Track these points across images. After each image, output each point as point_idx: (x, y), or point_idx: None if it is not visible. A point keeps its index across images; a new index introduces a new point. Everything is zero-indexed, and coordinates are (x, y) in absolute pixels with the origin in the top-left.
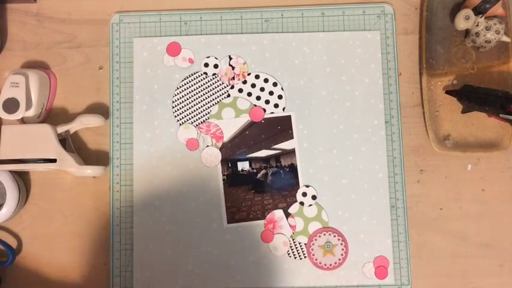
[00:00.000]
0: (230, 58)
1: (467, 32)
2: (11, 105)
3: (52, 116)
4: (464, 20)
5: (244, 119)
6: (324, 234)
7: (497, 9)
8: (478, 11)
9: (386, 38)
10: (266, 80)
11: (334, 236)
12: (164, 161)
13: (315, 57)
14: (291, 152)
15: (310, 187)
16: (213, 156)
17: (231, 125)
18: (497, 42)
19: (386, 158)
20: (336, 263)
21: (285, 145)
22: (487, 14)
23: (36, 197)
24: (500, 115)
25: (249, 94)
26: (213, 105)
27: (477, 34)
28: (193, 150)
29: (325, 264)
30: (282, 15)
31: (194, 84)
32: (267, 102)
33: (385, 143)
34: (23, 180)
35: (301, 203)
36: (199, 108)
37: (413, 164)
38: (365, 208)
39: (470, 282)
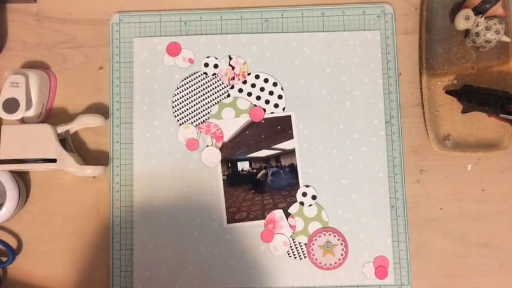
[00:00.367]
0: (230, 58)
1: (467, 32)
2: (11, 105)
3: (52, 116)
4: (464, 20)
5: (244, 119)
6: (324, 234)
7: (497, 9)
8: (478, 11)
9: (386, 38)
10: (266, 80)
11: (334, 236)
12: (164, 161)
13: (314, 57)
14: (291, 152)
15: (310, 187)
16: (213, 156)
17: (231, 125)
18: (497, 42)
19: (386, 158)
20: (336, 263)
21: (285, 145)
22: (487, 14)
23: (36, 197)
24: (500, 115)
25: (249, 94)
26: (213, 105)
27: (477, 34)
28: (193, 150)
29: (325, 264)
30: (282, 15)
31: (194, 84)
32: (267, 102)
33: (385, 143)
34: (23, 180)
35: (301, 203)
36: (199, 108)
37: (413, 164)
38: (365, 208)
39: (470, 282)
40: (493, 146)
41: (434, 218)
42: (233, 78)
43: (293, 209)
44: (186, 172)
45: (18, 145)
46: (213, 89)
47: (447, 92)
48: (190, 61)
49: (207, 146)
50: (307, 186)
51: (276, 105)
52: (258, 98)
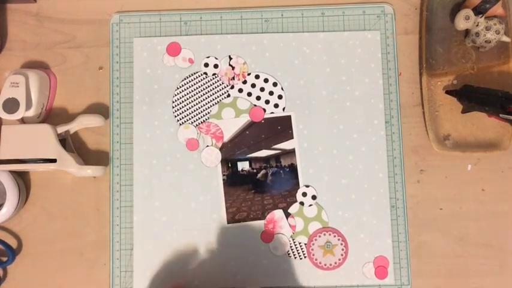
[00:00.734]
0: (230, 58)
1: (467, 32)
2: (11, 105)
3: (52, 116)
4: (464, 20)
5: (244, 119)
6: (324, 234)
7: (497, 9)
8: (478, 11)
9: (386, 38)
10: (266, 80)
11: (334, 236)
12: (164, 161)
13: (314, 57)
14: (291, 152)
15: (310, 187)
16: (213, 156)
17: (231, 125)
18: (497, 42)
19: (386, 158)
20: (336, 263)
21: (285, 145)
22: (487, 14)
23: (36, 197)
24: (500, 115)
25: (249, 94)
26: (213, 105)
27: (477, 34)
28: (193, 150)
29: (325, 264)
30: (282, 15)
31: (194, 84)
32: (267, 102)
33: (385, 143)
34: (23, 180)
35: (301, 203)
36: (199, 108)
37: (413, 164)
38: (365, 208)
39: (470, 282)
40: (493, 146)
41: (434, 218)
42: (233, 78)
43: (293, 209)
44: (186, 172)
45: (18, 145)
46: (213, 89)
47: (447, 92)
48: (190, 61)
49: (207, 146)
50: (307, 186)
51: (276, 105)
52: (258, 98)
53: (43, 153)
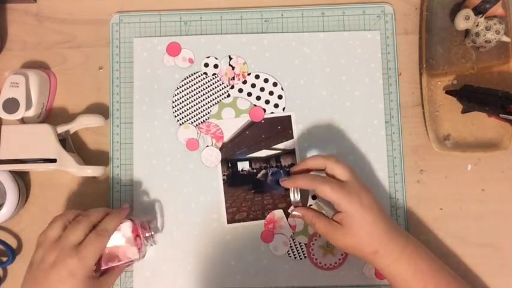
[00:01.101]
0: (230, 58)
1: (467, 32)
2: (11, 105)
3: (52, 116)
4: (464, 20)
5: (244, 119)
6: None
7: (497, 9)
8: (478, 11)
9: (386, 38)
10: (266, 80)
11: None
12: (164, 161)
13: (315, 57)
14: (291, 152)
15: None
16: (213, 156)
17: (231, 125)
18: (497, 42)
19: (386, 158)
20: (336, 263)
21: (285, 145)
22: (487, 14)
23: (36, 197)
24: (500, 115)
25: (249, 94)
26: (213, 105)
27: (477, 34)
28: (193, 150)
29: (325, 264)
30: (282, 15)
31: (194, 84)
32: (267, 102)
33: (385, 143)
34: (23, 180)
35: None
36: (199, 108)
37: (413, 164)
38: None
39: (470, 282)
40: (493, 146)
41: (434, 218)
42: (233, 78)
43: (293, 209)
44: (186, 172)
45: (18, 145)
46: (213, 89)
47: (447, 92)
48: (190, 61)
49: (207, 146)
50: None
51: (276, 105)
52: (258, 98)
53: (43, 153)
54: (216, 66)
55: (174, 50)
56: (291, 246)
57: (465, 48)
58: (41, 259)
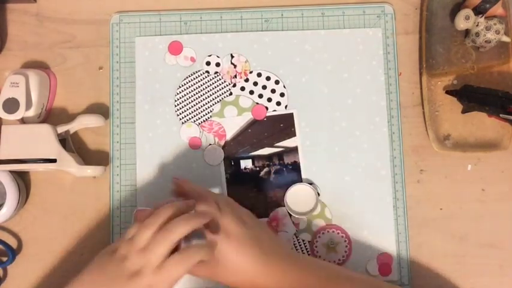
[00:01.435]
0: (232, 56)
1: (467, 32)
2: (11, 105)
3: (52, 116)
4: (464, 20)
5: (247, 117)
6: (328, 232)
7: (497, 9)
8: (478, 11)
9: (387, 38)
10: (268, 78)
11: (338, 233)
12: (167, 160)
13: (316, 55)
14: (294, 150)
15: (313, 184)
16: (215, 155)
17: (233, 123)
18: (497, 42)
19: (389, 155)
20: (339, 260)
21: (288, 143)
22: (487, 14)
23: (36, 197)
24: (501, 115)
25: (251, 92)
26: (215, 103)
27: (477, 34)
28: (195, 149)
29: (328, 262)
30: (282, 15)
31: (196, 82)
32: (269, 100)
33: (388, 140)
34: (23, 180)
35: None
36: (201, 106)
37: (413, 164)
38: (368, 205)
39: (470, 282)
40: (493, 146)
41: (434, 218)
42: (235, 76)
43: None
44: (188, 171)
45: (18, 145)
46: (215, 87)
47: (447, 92)
48: (192, 60)
49: (210, 144)
50: (310, 183)
51: (278, 103)
52: (260, 96)
53: (43, 153)
54: (217, 64)
55: (175, 48)
56: (294, 244)
57: (465, 48)
58: (122, 258)
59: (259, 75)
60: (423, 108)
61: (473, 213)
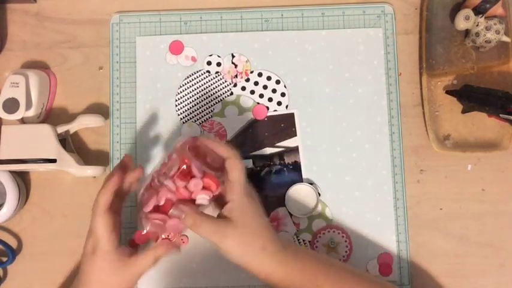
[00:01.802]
0: (233, 56)
1: (467, 32)
2: (11, 105)
3: (52, 116)
4: (464, 20)
5: (248, 117)
6: (328, 232)
7: (497, 9)
8: (478, 11)
9: (387, 38)
10: (269, 78)
11: (338, 234)
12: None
13: (317, 55)
14: (295, 150)
15: (313, 184)
16: None
17: (234, 123)
18: (497, 42)
19: (389, 155)
20: (340, 260)
21: (288, 143)
22: (487, 14)
23: (36, 197)
24: (500, 115)
25: (252, 92)
26: (216, 103)
27: (477, 34)
28: None
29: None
30: (282, 15)
31: (197, 82)
32: (270, 99)
33: (389, 140)
34: (23, 180)
35: None
36: (202, 106)
37: (413, 164)
38: (369, 205)
39: (470, 282)
40: (493, 146)
41: (434, 218)
42: (236, 76)
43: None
44: None
45: (18, 145)
46: (216, 87)
47: (447, 92)
48: (193, 59)
49: None
50: (310, 183)
51: (279, 103)
52: (261, 95)
53: (43, 153)
54: (218, 64)
55: (176, 48)
56: None
57: (465, 48)
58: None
59: (260, 75)
60: (423, 108)
61: (473, 213)
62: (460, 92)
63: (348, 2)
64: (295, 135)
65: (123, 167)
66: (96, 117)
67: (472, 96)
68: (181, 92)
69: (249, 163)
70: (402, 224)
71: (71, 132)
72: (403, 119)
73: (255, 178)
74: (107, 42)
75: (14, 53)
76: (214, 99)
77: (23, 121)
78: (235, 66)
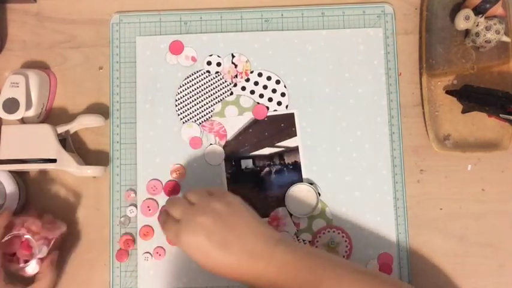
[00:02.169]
0: (233, 56)
1: (467, 32)
2: (11, 105)
3: (52, 116)
4: (464, 20)
5: (248, 117)
6: (328, 232)
7: (497, 9)
8: (478, 11)
9: (387, 38)
10: (269, 78)
11: (338, 233)
12: (168, 159)
13: (317, 55)
14: (295, 150)
15: (313, 184)
16: (216, 155)
17: (234, 123)
18: (497, 42)
19: (389, 155)
20: None
21: (289, 143)
22: (487, 14)
23: (36, 197)
24: (500, 115)
25: (252, 92)
26: (216, 103)
27: (477, 34)
28: (196, 149)
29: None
30: (282, 15)
31: (197, 82)
32: (270, 99)
33: (389, 140)
34: (23, 180)
35: None
36: (202, 106)
37: (413, 164)
38: (369, 205)
39: (470, 282)
40: (493, 146)
41: (434, 218)
42: (236, 76)
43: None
44: (189, 171)
45: (18, 145)
46: (216, 87)
47: (447, 92)
48: (193, 59)
49: (211, 144)
50: (310, 183)
51: (279, 103)
52: (261, 95)
53: (43, 153)
54: (218, 64)
55: (176, 48)
56: None
57: (465, 48)
58: None
59: (260, 75)
60: (423, 108)
61: (473, 213)
62: (460, 92)
63: (348, 2)
64: (295, 135)
65: None
66: (96, 117)
67: (472, 96)
68: (181, 92)
69: (249, 163)
70: (402, 224)
71: (71, 132)
72: (403, 119)
73: (255, 178)
74: (107, 42)
75: (14, 53)
76: (214, 99)
77: (23, 121)
78: (235, 66)
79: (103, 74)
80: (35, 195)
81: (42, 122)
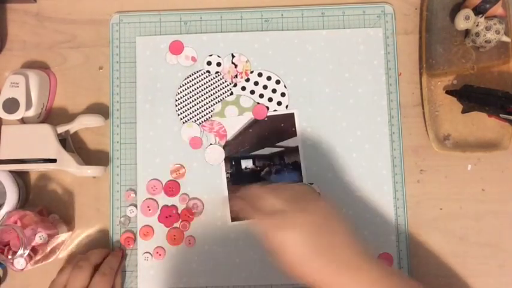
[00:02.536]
0: (233, 56)
1: (467, 32)
2: (11, 105)
3: (52, 116)
4: (464, 20)
5: (248, 117)
6: None
7: (497, 9)
8: (478, 11)
9: (387, 38)
10: (269, 78)
11: None
12: (167, 159)
13: (317, 55)
14: (295, 150)
15: (313, 184)
16: (216, 155)
17: (234, 123)
18: (497, 42)
19: (390, 155)
20: None
21: (288, 143)
22: (487, 14)
23: (36, 197)
24: (500, 115)
25: (252, 92)
26: (216, 103)
27: (477, 34)
28: (196, 149)
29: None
30: (282, 15)
31: (197, 82)
32: (270, 99)
33: (389, 140)
34: (23, 180)
35: None
36: (202, 106)
37: (413, 164)
38: (369, 205)
39: (470, 282)
40: (493, 146)
41: (434, 218)
42: (236, 76)
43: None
44: (189, 170)
45: (18, 145)
46: (216, 87)
47: (447, 92)
48: (193, 59)
49: (211, 144)
50: (310, 183)
51: (279, 103)
52: (261, 95)
53: (43, 153)
54: (218, 64)
55: (176, 48)
56: None
57: (465, 48)
58: None
59: (260, 75)
60: (423, 108)
61: (473, 213)
62: (460, 92)
63: (348, 2)
64: (295, 135)
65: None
66: (96, 117)
67: (472, 96)
68: (181, 92)
69: (249, 163)
70: (402, 224)
71: (71, 132)
72: (403, 119)
73: (255, 178)
74: (107, 42)
75: (14, 53)
76: (214, 99)
77: (23, 121)
78: (235, 66)
79: (103, 74)
80: (35, 195)
81: (42, 122)
